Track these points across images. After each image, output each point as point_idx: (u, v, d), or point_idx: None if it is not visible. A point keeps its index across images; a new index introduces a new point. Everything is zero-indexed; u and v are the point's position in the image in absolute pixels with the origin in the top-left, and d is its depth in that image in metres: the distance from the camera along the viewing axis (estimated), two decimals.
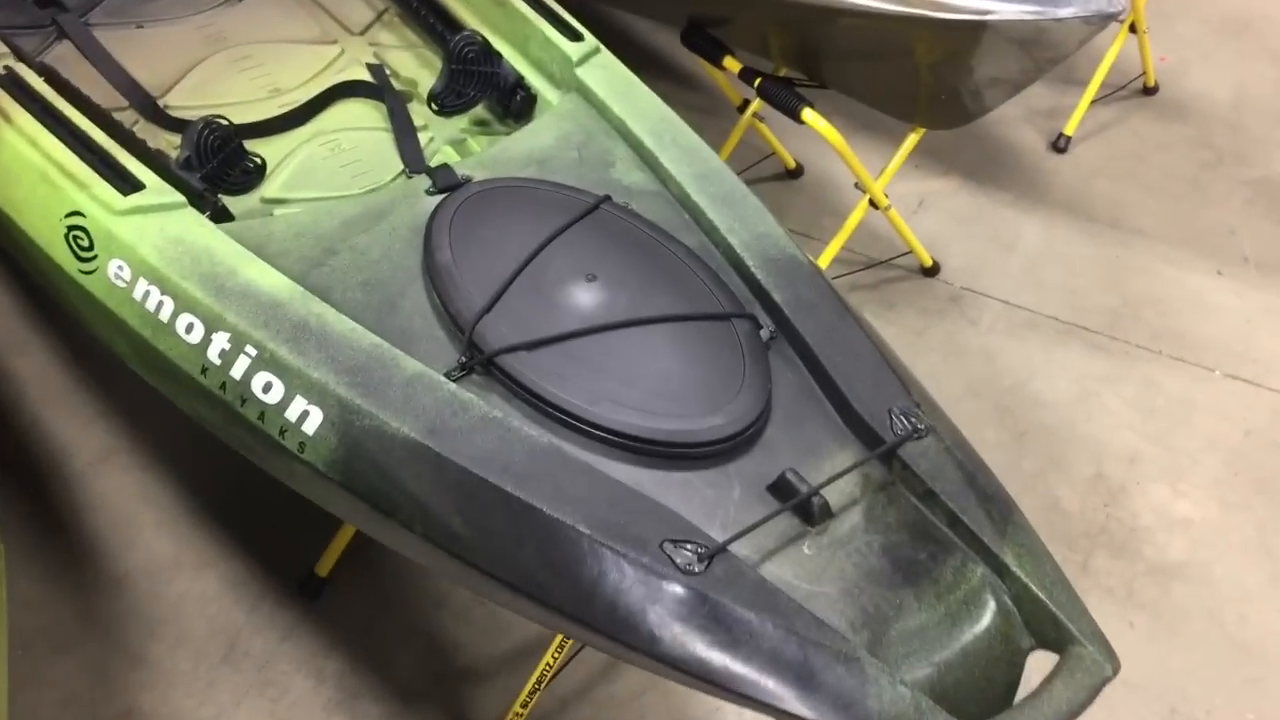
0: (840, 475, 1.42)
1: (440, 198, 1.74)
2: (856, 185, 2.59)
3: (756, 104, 2.77)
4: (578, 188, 1.74)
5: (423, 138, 2.05)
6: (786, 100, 2.39)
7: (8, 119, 1.76)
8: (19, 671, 1.93)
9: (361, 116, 2.11)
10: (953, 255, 2.90)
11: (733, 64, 2.53)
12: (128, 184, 1.66)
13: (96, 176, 1.67)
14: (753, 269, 1.67)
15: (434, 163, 2.02)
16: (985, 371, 2.63)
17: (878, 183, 2.61)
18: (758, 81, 2.46)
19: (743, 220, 1.74)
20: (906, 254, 2.82)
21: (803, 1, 2.20)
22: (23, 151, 1.73)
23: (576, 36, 2.03)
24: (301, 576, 2.14)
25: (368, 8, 2.36)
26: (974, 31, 2.13)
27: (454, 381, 1.46)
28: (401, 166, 1.98)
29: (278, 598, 2.14)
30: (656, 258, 1.64)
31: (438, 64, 2.22)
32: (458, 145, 2.08)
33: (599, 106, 1.94)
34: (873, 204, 2.61)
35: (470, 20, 2.17)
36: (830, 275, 2.79)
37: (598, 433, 1.42)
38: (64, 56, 2.16)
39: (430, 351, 1.52)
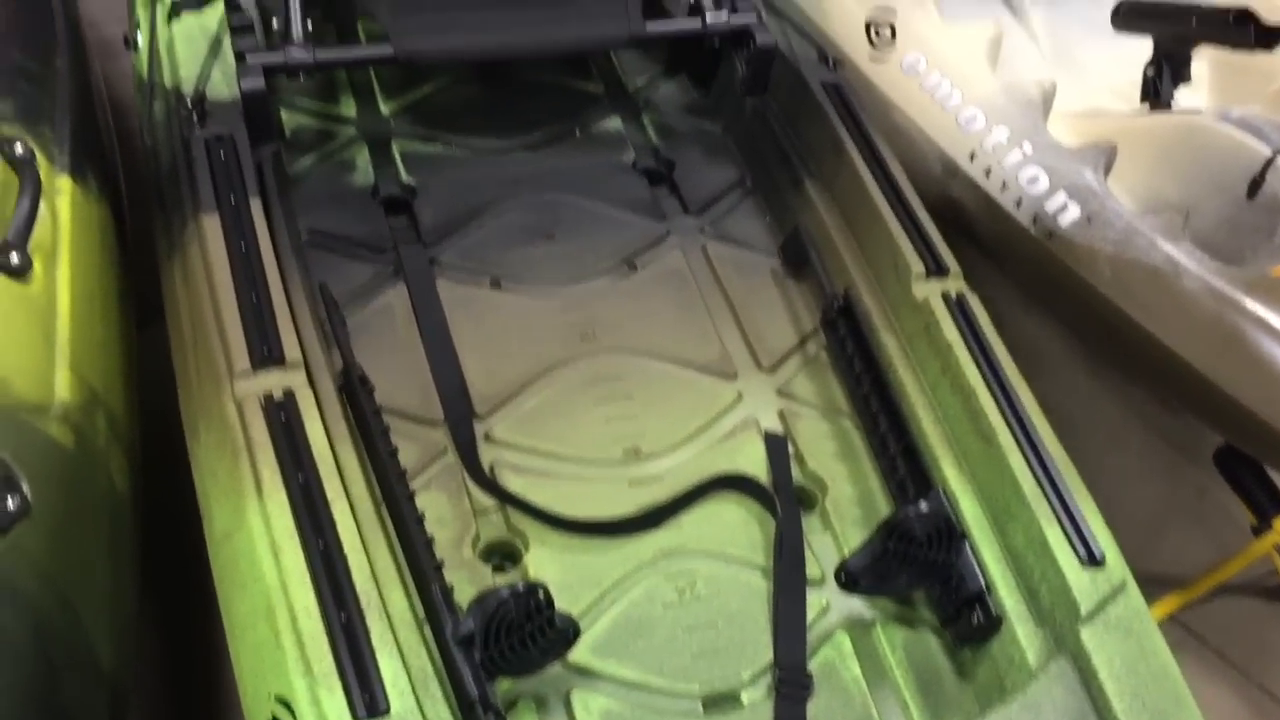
0: None
1: None
2: None
3: None
4: None
5: (814, 600, 1.39)
6: None
7: (260, 490, 1.24)
8: None
9: (735, 532, 1.47)
10: None
11: None
12: (367, 698, 1.09)
13: (333, 665, 1.11)
14: None
15: (819, 655, 1.36)
16: None
17: None
18: None
19: None
20: None
21: None
22: (258, 552, 1.20)
23: (1094, 558, 1.28)
24: None
25: (791, 328, 1.71)
26: None
27: None
28: (770, 659, 1.33)
29: None
30: None
31: (860, 450, 1.56)
32: (859, 632, 1.39)
33: (1107, 713, 1.19)
34: None
35: (936, 447, 1.46)
36: None
37: None
38: (393, 308, 1.65)
39: None
